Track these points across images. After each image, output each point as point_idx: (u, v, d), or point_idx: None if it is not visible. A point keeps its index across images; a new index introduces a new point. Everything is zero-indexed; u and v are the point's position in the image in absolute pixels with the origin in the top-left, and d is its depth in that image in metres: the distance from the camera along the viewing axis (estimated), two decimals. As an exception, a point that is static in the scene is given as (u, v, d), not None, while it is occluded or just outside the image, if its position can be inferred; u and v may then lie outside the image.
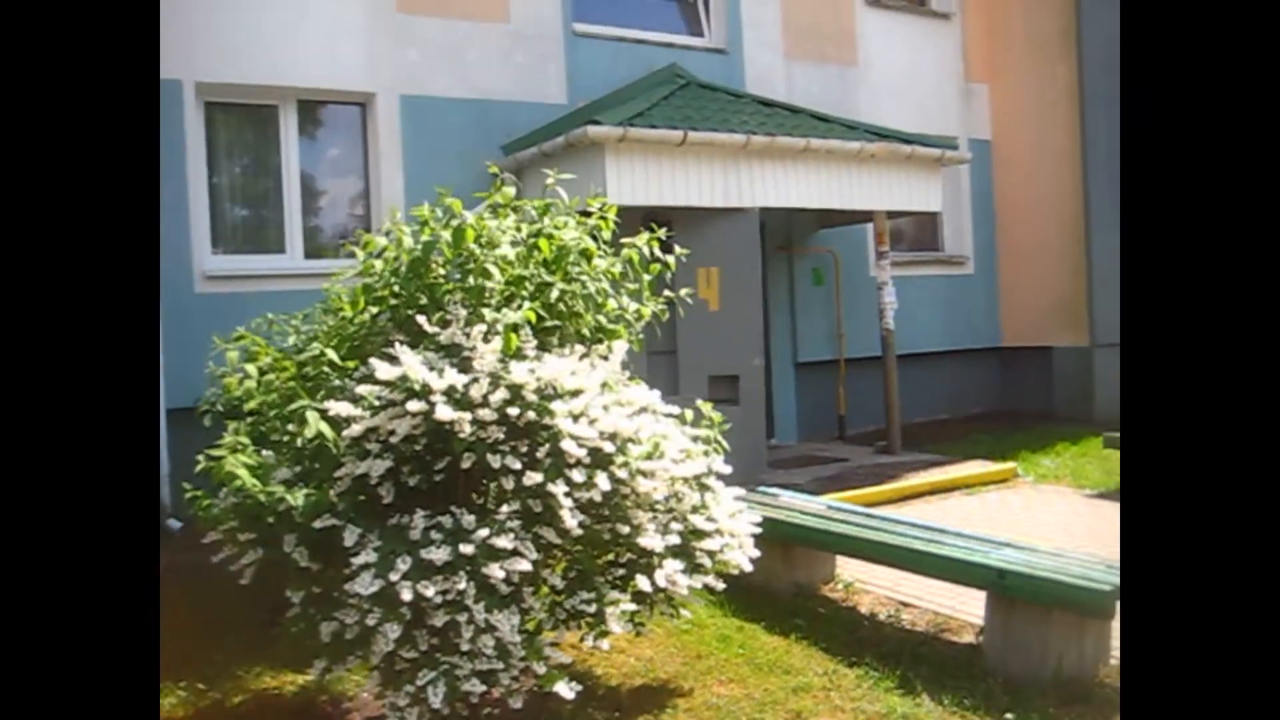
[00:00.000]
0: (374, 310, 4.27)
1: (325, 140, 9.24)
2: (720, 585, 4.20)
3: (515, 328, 3.71)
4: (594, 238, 4.53)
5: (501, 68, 9.58)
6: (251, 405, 4.11)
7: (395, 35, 9.04)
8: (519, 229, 4.17)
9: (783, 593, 5.68)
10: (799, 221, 10.97)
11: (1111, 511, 7.81)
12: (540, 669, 3.59)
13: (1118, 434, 9.09)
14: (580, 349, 4.10)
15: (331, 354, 3.90)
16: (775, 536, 5.68)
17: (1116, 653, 4.57)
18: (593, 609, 3.73)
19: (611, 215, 4.67)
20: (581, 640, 3.90)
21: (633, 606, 3.89)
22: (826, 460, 9.78)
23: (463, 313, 3.79)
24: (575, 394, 3.67)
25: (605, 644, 3.82)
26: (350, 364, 4.05)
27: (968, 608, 5.26)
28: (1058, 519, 7.58)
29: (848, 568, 5.93)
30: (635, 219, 8.38)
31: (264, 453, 3.92)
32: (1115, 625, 4.48)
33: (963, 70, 12.92)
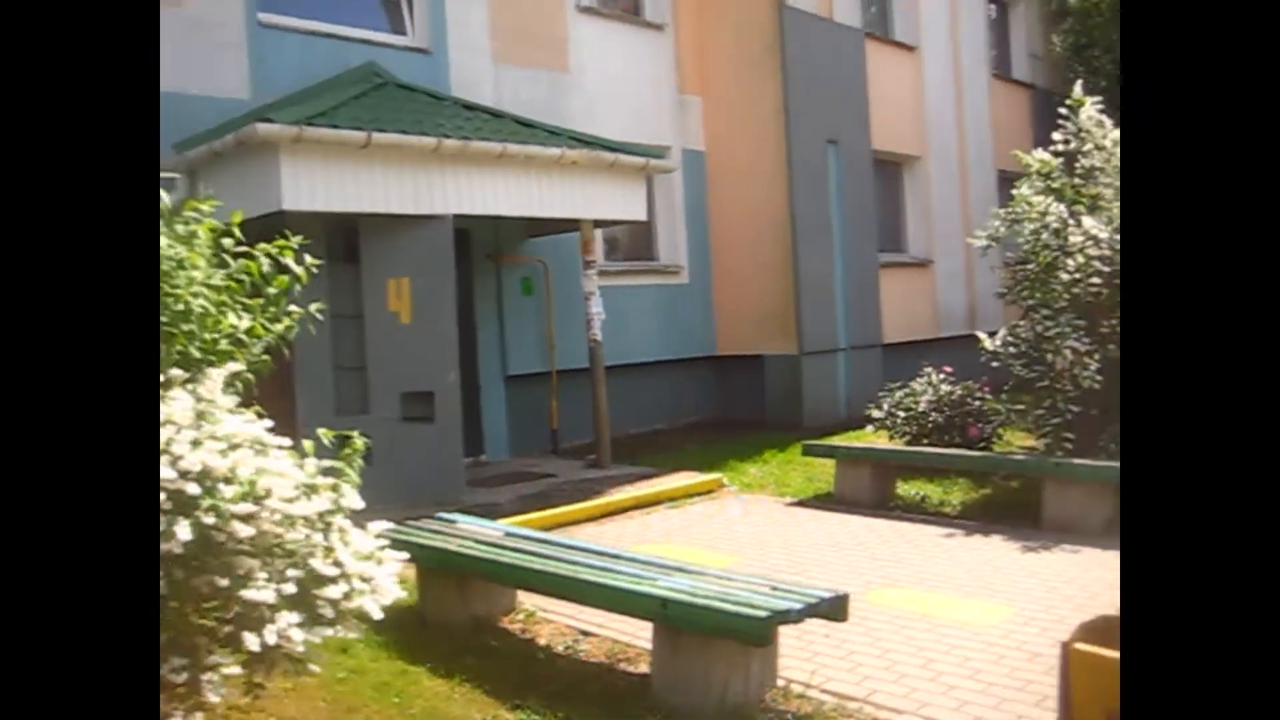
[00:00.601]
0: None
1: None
2: (353, 635, 3.76)
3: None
4: (219, 250, 3.99)
5: (175, 57, 8.69)
6: None
7: (43, 16, 8.02)
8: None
9: (459, 627, 5.29)
10: (507, 230, 10.63)
11: (806, 517, 7.90)
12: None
13: (816, 442, 9.26)
14: (181, 375, 3.55)
15: None
16: (449, 568, 5.31)
17: (783, 676, 4.47)
18: (183, 678, 3.19)
19: (237, 221, 4.13)
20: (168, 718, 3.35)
21: (236, 670, 3.37)
22: (534, 477, 9.47)
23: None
24: (157, 428, 3.13)
25: (199, 717, 3.29)
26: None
27: (648, 634, 5.03)
28: (754, 529, 7.57)
29: (531, 596, 5.60)
30: (316, 226, 7.80)
31: None
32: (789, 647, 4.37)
33: (677, 82, 12.99)
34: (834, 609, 4.18)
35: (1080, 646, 2.99)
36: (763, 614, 3.90)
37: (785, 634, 4.60)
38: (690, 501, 8.65)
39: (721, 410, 13.13)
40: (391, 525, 4.16)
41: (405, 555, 4.01)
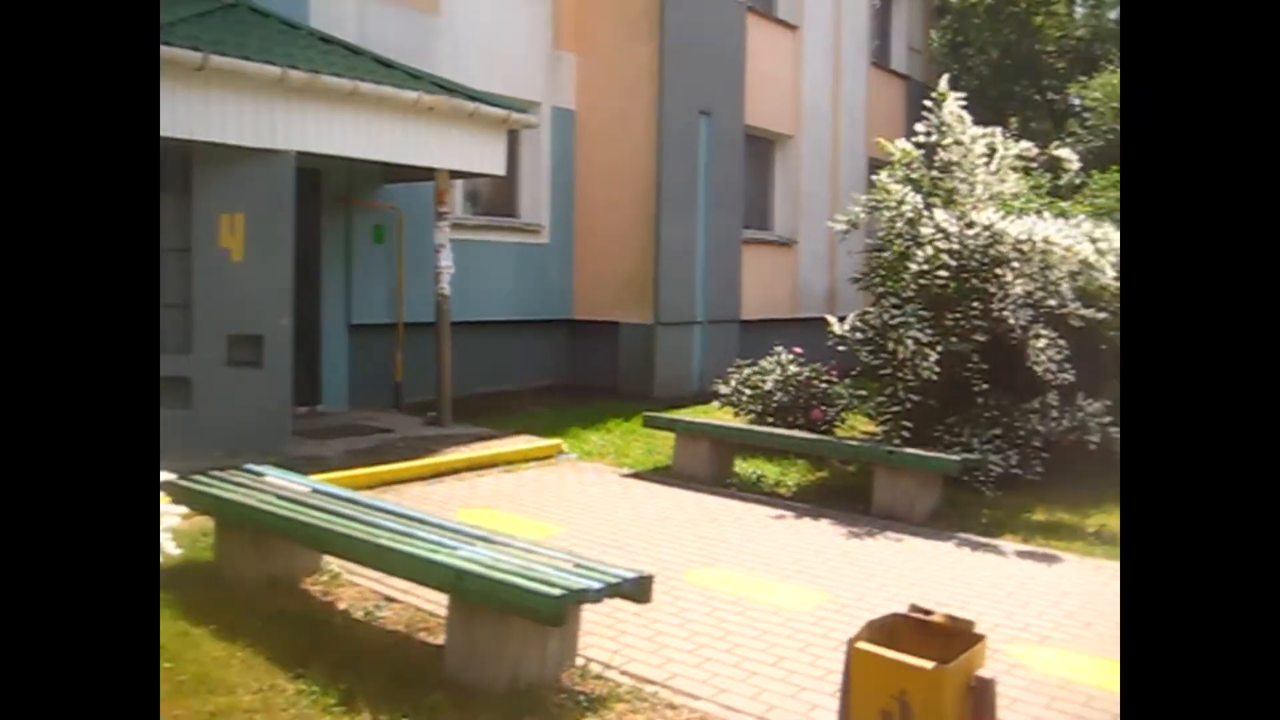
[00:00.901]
0: None
1: None
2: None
3: None
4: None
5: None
6: None
7: None
8: None
9: (254, 587, 4.99)
10: (361, 173, 10.19)
11: (640, 490, 7.80)
12: None
13: (656, 414, 9.15)
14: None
15: None
16: (247, 524, 5.01)
17: (585, 655, 4.34)
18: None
19: None
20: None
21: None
22: (370, 431, 9.15)
23: None
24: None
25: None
26: None
27: (453, 603, 4.85)
28: (587, 499, 7.44)
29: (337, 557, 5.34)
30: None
31: None
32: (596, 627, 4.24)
33: (552, 36, 12.66)
34: (637, 590, 4.05)
35: (862, 645, 2.92)
36: (558, 592, 3.74)
37: (593, 611, 4.48)
38: (526, 466, 8.47)
39: (573, 375, 12.96)
40: (174, 476, 3.87)
41: (183, 510, 3.71)
